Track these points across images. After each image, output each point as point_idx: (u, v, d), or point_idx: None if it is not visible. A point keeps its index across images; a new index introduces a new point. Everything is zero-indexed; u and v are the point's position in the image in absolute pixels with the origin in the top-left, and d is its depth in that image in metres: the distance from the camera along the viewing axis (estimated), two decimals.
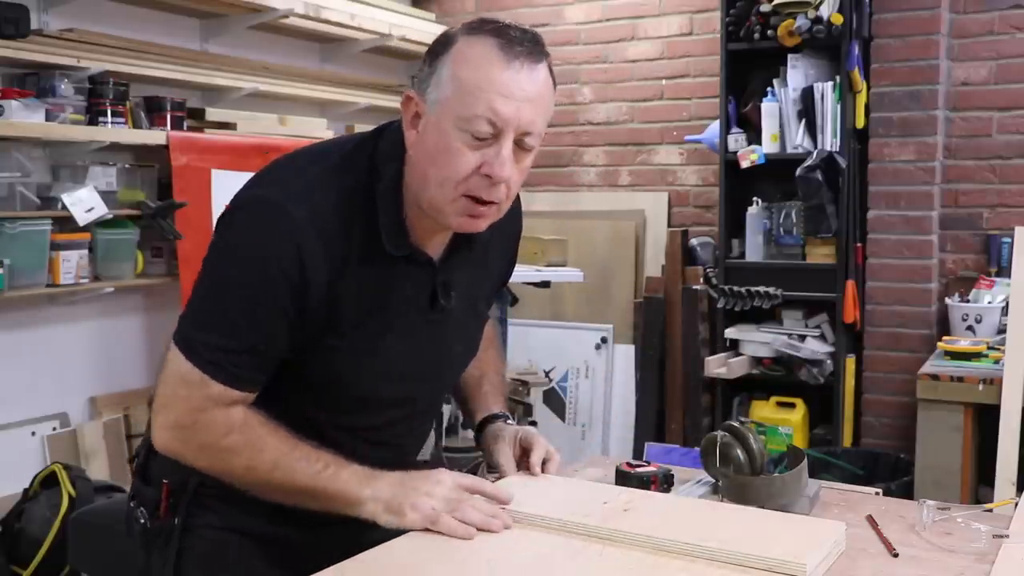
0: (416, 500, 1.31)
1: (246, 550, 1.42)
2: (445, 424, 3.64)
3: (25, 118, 2.94)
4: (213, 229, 1.36)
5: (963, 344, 3.26)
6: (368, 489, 1.32)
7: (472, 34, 1.29)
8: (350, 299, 1.32)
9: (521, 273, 3.40)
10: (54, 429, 3.28)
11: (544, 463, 1.54)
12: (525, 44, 1.28)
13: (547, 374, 4.26)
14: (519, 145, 1.30)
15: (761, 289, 3.73)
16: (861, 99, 3.62)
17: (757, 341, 3.79)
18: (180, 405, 1.32)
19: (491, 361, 1.71)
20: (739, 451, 1.52)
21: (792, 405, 3.77)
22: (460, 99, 1.26)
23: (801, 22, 3.56)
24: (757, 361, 3.83)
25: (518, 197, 1.57)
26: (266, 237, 1.27)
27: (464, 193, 1.29)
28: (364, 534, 1.32)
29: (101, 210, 3.13)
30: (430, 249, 1.39)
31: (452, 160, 1.27)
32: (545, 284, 3.61)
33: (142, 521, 1.47)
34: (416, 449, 1.65)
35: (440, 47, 1.30)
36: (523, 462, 1.54)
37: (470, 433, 3.68)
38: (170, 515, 1.43)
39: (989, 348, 3.25)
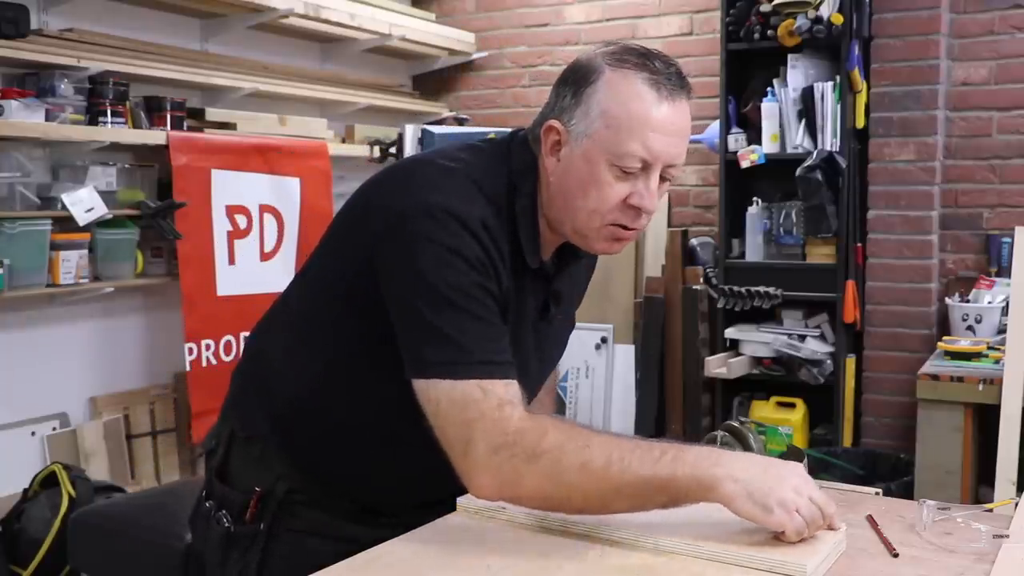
0: (785, 496, 1.20)
1: (328, 553, 1.38)
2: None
3: (25, 118, 2.94)
4: (388, 247, 1.29)
5: (963, 344, 3.26)
6: (722, 468, 1.20)
7: (619, 67, 1.31)
8: (509, 302, 1.35)
9: None
10: (54, 429, 3.28)
11: None
12: (672, 79, 1.31)
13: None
14: (662, 176, 1.34)
15: (761, 289, 3.73)
16: (861, 99, 3.62)
17: (757, 341, 3.79)
18: (482, 427, 1.22)
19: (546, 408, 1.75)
20: (739, 451, 1.52)
21: (792, 405, 3.77)
22: (612, 135, 1.29)
23: (801, 22, 3.56)
24: (757, 361, 3.83)
25: None
26: (452, 239, 1.25)
27: (612, 222, 1.33)
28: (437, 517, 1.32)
29: (101, 210, 3.13)
30: (547, 260, 1.44)
31: (601, 192, 1.31)
32: None
33: (226, 524, 1.44)
34: None
35: (583, 78, 1.33)
36: None
37: None
38: (257, 520, 1.42)
39: (989, 348, 3.25)
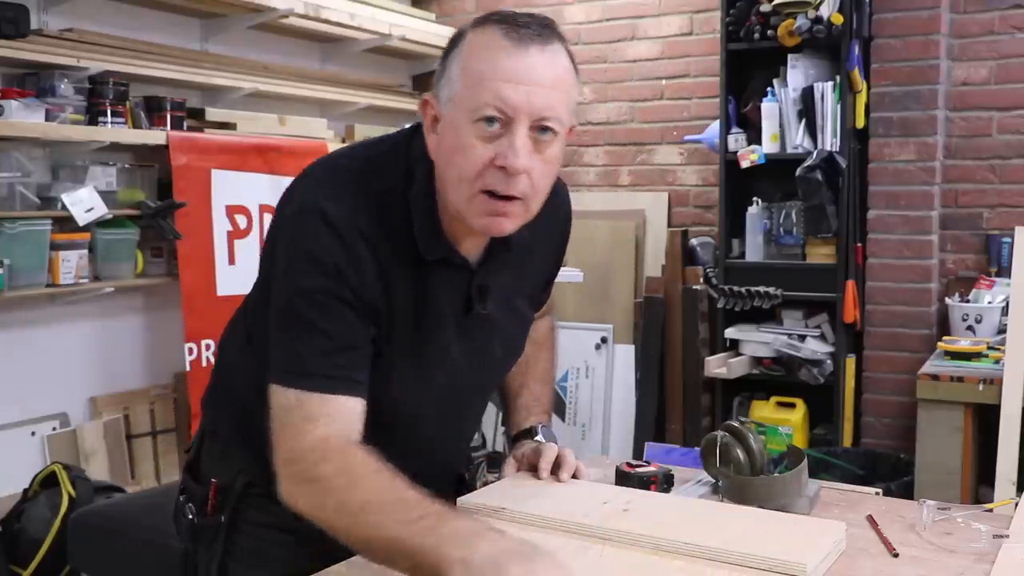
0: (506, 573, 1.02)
1: (289, 547, 1.41)
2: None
3: (25, 118, 2.94)
4: (264, 242, 1.34)
5: (963, 344, 3.26)
6: (459, 551, 1.03)
7: (479, 25, 1.26)
8: (395, 303, 1.30)
9: None
10: (54, 429, 3.28)
11: (558, 469, 1.51)
12: (532, 27, 1.24)
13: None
14: (538, 134, 1.24)
15: (761, 289, 3.73)
16: (861, 99, 3.62)
17: (757, 341, 3.78)
18: (284, 437, 1.23)
19: (537, 366, 1.68)
20: (739, 451, 1.52)
21: (792, 405, 3.77)
22: (469, 91, 1.22)
23: (801, 22, 3.56)
24: (757, 361, 3.83)
25: (565, 194, 1.56)
26: (315, 242, 1.25)
27: (481, 189, 1.24)
28: None
29: (101, 210, 3.13)
30: (466, 251, 1.36)
31: (466, 155, 1.23)
32: None
33: (190, 517, 1.48)
34: (459, 455, 1.62)
35: (450, 46, 1.28)
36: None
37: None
38: (217, 512, 1.44)
39: (989, 348, 3.25)
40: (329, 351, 1.24)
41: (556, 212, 1.51)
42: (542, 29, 1.26)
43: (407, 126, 1.41)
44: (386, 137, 1.41)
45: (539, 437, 1.58)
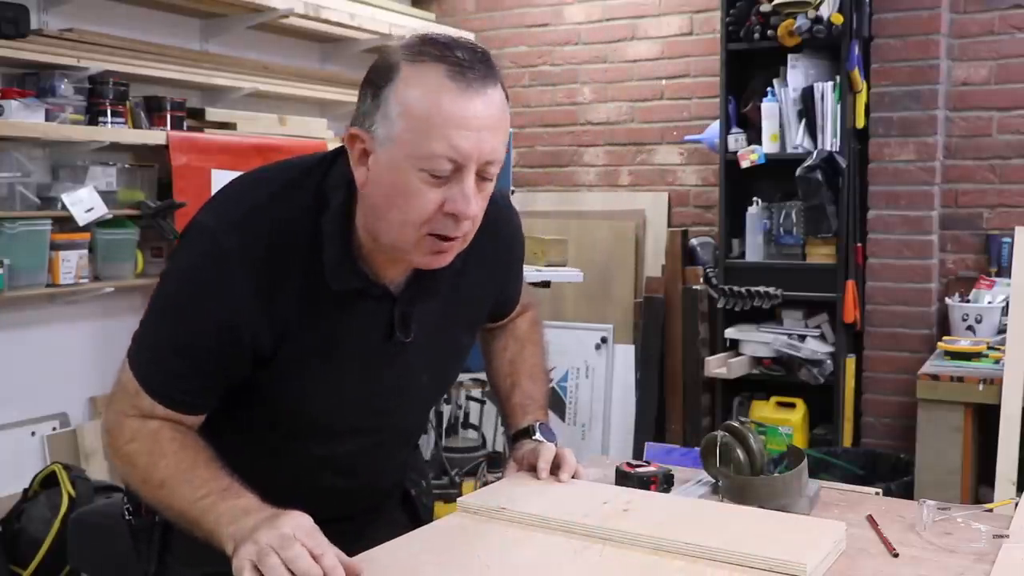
0: (253, 538, 1.12)
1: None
2: (445, 424, 3.64)
3: (25, 118, 2.94)
4: None
5: (963, 344, 3.26)
6: (231, 527, 1.17)
7: (416, 60, 1.18)
8: (295, 333, 1.27)
9: None
10: (54, 429, 3.28)
11: (558, 469, 1.50)
12: (476, 67, 1.18)
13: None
14: (480, 175, 1.22)
15: (761, 289, 3.73)
16: (861, 99, 3.62)
17: (757, 341, 3.79)
18: (112, 408, 1.32)
19: (524, 364, 1.65)
20: (739, 451, 1.52)
21: (792, 405, 3.77)
22: (415, 137, 1.17)
23: (801, 22, 3.56)
24: (757, 361, 3.83)
25: (505, 199, 1.52)
26: (197, 266, 1.26)
27: (428, 232, 1.22)
28: (345, 538, 1.31)
29: (101, 210, 3.13)
30: (388, 278, 1.32)
31: (413, 201, 1.19)
32: (545, 284, 3.61)
33: (127, 518, 1.50)
34: (390, 477, 1.59)
35: (381, 77, 1.21)
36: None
37: (471, 433, 3.70)
38: (152, 512, 1.44)
39: (989, 348, 3.25)
40: (172, 374, 1.29)
41: (497, 237, 1.46)
42: (484, 68, 1.20)
43: (326, 151, 1.37)
44: (304, 159, 1.36)
45: (537, 436, 1.56)
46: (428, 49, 1.20)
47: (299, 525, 1.14)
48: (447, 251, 1.25)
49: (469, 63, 1.18)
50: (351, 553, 1.25)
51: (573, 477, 1.50)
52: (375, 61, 1.25)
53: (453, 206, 1.19)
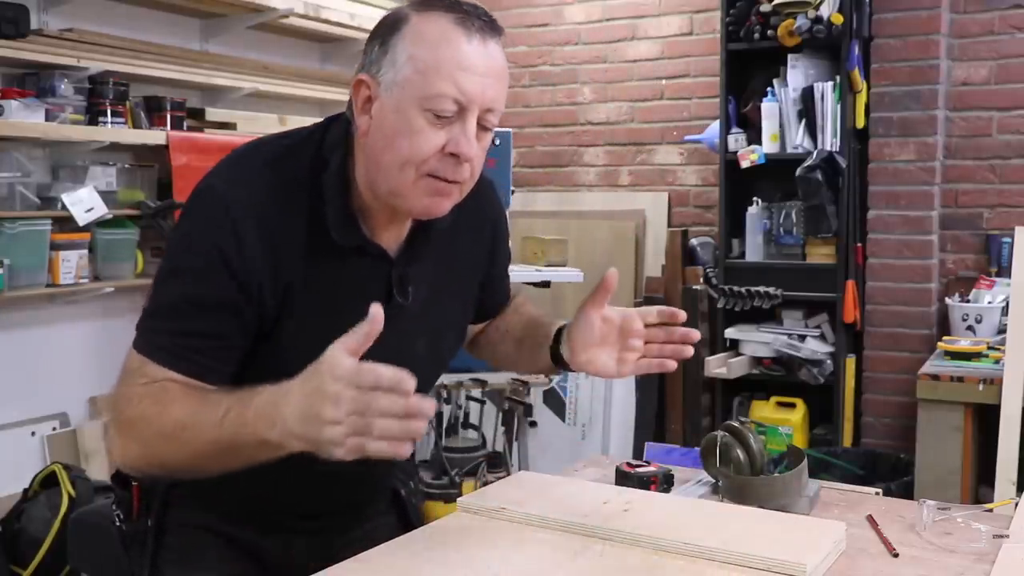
0: (328, 434, 1.04)
1: (218, 549, 1.42)
2: (445, 424, 3.64)
3: (25, 118, 2.94)
4: None
5: (963, 344, 3.26)
6: (276, 431, 1.09)
7: (424, 10, 1.24)
8: (299, 292, 1.29)
9: (521, 273, 3.39)
10: (54, 429, 3.28)
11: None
12: (482, 19, 1.24)
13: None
14: (480, 123, 1.25)
15: (761, 289, 3.73)
16: (861, 99, 3.62)
17: (757, 341, 3.79)
18: (114, 395, 1.27)
19: (535, 312, 1.62)
20: (739, 451, 1.52)
21: (792, 405, 3.77)
22: (422, 78, 1.21)
23: (801, 22, 3.56)
24: (757, 361, 3.83)
25: (491, 184, 1.54)
26: (205, 224, 1.25)
27: (428, 173, 1.24)
28: (333, 539, 1.31)
29: (101, 210, 3.13)
30: (384, 242, 1.34)
31: (415, 141, 1.22)
32: (545, 284, 3.61)
33: (117, 523, 1.48)
34: (382, 463, 1.54)
35: (390, 27, 1.26)
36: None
37: (471, 433, 3.70)
38: (143, 516, 1.44)
39: (989, 348, 3.25)
40: (186, 332, 1.24)
41: (481, 208, 1.49)
42: (490, 21, 1.25)
43: (319, 121, 1.40)
44: (297, 129, 1.41)
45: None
46: (435, 2, 1.25)
47: (342, 375, 1.04)
48: (446, 195, 1.27)
49: (475, 15, 1.24)
50: (339, 554, 1.25)
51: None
52: (383, 18, 1.29)
53: (455, 146, 1.23)
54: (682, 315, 1.37)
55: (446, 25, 1.22)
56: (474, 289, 1.54)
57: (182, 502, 1.42)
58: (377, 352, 1.36)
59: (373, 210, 1.31)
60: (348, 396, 1.03)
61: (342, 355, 1.05)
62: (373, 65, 1.25)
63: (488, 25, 1.25)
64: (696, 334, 1.36)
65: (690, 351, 1.35)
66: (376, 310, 1.07)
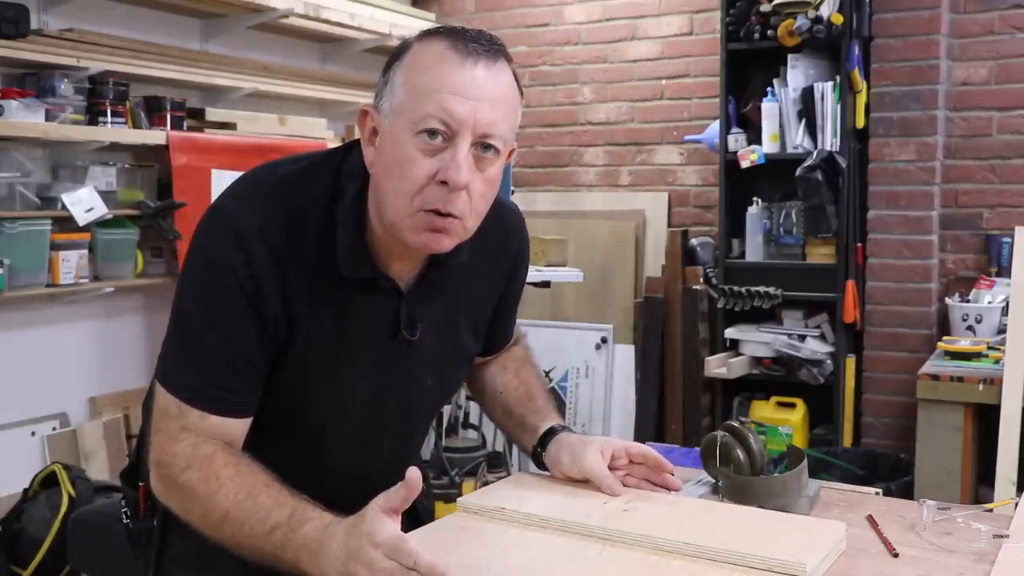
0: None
1: (224, 549, 1.41)
2: (445, 424, 3.64)
3: (25, 118, 2.94)
4: None
5: (963, 344, 3.26)
6: (315, 569, 1.13)
7: (426, 38, 1.23)
8: (306, 321, 1.27)
9: None
10: (54, 429, 3.28)
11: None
12: (481, 42, 1.21)
13: (547, 374, 4.27)
14: (480, 151, 1.21)
15: (761, 289, 3.73)
16: (861, 99, 3.62)
17: (757, 341, 3.79)
18: (159, 439, 1.26)
19: (532, 379, 1.63)
20: (739, 451, 1.52)
21: (792, 405, 3.77)
22: (412, 102, 1.19)
23: (801, 22, 3.56)
24: (757, 361, 3.83)
25: (521, 220, 1.52)
26: (216, 249, 1.24)
27: (421, 207, 1.20)
28: None
29: (101, 210, 3.13)
30: (397, 275, 1.31)
31: (407, 168, 1.19)
32: (545, 284, 3.61)
33: (125, 521, 1.49)
34: (388, 482, 1.57)
35: (393, 57, 1.25)
36: (633, 470, 1.47)
37: (471, 433, 3.70)
38: (150, 516, 1.44)
39: (989, 348, 3.25)
40: (216, 370, 1.25)
41: (505, 244, 1.47)
42: (490, 45, 1.22)
43: (340, 145, 1.38)
44: (316, 153, 1.37)
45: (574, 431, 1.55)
46: (439, 30, 1.25)
47: (381, 543, 1.08)
48: (443, 231, 1.23)
49: (475, 39, 1.22)
50: None
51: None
52: (394, 49, 1.28)
53: (444, 173, 1.19)
54: (668, 467, 1.46)
55: (441, 50, 1.20)
56: (487, 319, 1.53)
57: None
58: (385, 385, 1.37)
59: (386, 242, 1.29)
60: (384, 567, 1.07)
61: (382, 520, 1.09)
62: (377, 96, 1.25)
63: (487, 49, 1.21)
64: (678, 484, 1.47)
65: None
66: (415, 475, 1.11)
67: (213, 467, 1.22)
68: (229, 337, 1.24)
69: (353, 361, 1.33)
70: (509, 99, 1.24)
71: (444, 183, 1.19)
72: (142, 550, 1.47)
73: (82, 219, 3.08)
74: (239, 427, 1.28)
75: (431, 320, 1.36)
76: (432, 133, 1.19)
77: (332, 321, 1.29)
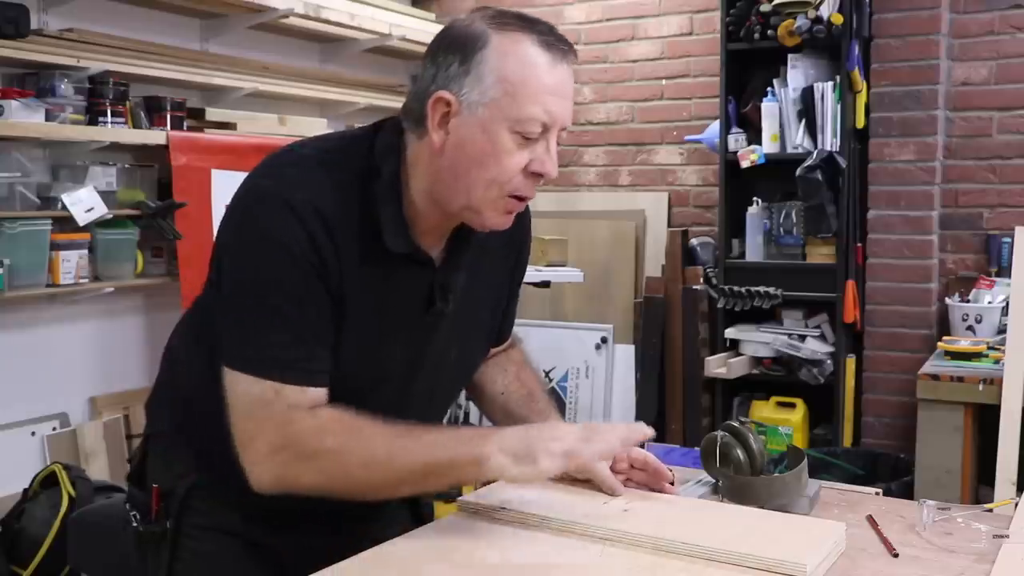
0: (548, 445, 1.24)
1: (237, 551, 1.41)
2: (445, 424, 3.64)
3: (25, 118, 2.94)
4: (216, 237, 1.33)
5: (963, 344, 3.26)
6: (492, 444, 1.24)
7: (504, 30, 1.26)
8: (353, 293, 1.29)
9: None
10: (54, 429, 3.28)
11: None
12: (562, 41, 1.29)
13: (547, 374, 4.27)
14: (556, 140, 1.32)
15: (761, 289, 3.73)
16: (861, 99, 3.62)
17: (757, 341, 3.79)
18: (266, 428, 1.24)
19: (532, 381, 1.66)
20: (739, 451, 1.52)
21: (792, 405, 3.77)
22: (513, 101, 1.25)
23: (801, 22, 3.56)
24: (757, 361, 3.83)
25: (527, 207, 1.53)
26: (274, 224, 1.24)
27: (509, 192, 1.29)
28: (352, 539, 1.31)
29: (101, 210, 3.13)
30: (428, 249, 1.36)
31: (502, 161, 1.26)
32: (545, 284, 3.62)
33: (134, 524, 1.46)
34: None
35: (469, 45, 1.27)
36: (632, 474, 1.50)
37: None
38: (162, 518, 1.43)
39: (989, 348, 3.24)
40: (303, 339, 1.25)
41: (515, 228, 1.48)
42: (566, 43, 1.30)
43: (360, 125, 1.41)
44: (343, 132, 1.42)
45: None
46: (511, 20, 1.28)
47: (571, 429, 1.28)
48: (515, 211, 1.33)
49: (552, 33, 1.29)
50: (355, 553, 1.26)
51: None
52: (453, 30, 1.31)
53: (540, 166, 1.28)
54: (667, 475, 1.49)
55: (532, 48, 1.26)
56: (501, 302, 1.57)
57: (203, 505, 1.41)
58: (416, 358, 1.39)
59: (421, 219, 1.33)
60: (569, 441, 1.26)
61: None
62: (453, 82, 1.27)
63: (565, 46, 1.29)
64: (675, 493, 1.49)
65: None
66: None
67: (349, 424, 1.25)
68: (307, 307, 1.25)
69: (394, 334, 1.35)
70: (573, 91, 1.34)
71: (535, 174, 1.29)
72: (152, 554, 1.44)
73: (82, 219, 3.08)
74: (327, 398, 1.29)
75: (457, 293, 1.40)
76: (531, 131, 1.27)
77: (376, 295, 1.32)
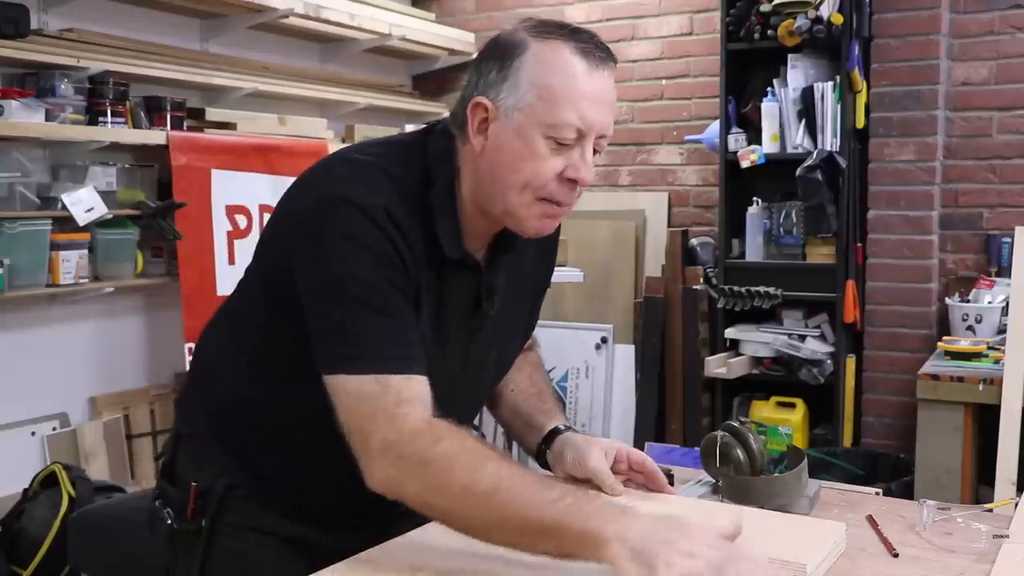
0: (671, 558, 1.06)
1: (272, 550, 1.41)
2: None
3: (25, 118, 2.94)
4: (280, 249, 1.32)
5: (963, 344, 3.26)
6: (614, 527, 1.09)
7: (544, 37, 1.28)
8: (422, 297, 1.31)
9: None
10: (54, 429, 3.28)
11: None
12: (600, 48, 1.30)
13: (547, 374, 4.26)
14: (594, 147, 1.31)
15: (761, 289, 3.73)
16: (861, 99, 3.62)
17: (757, 341, 3.79)
18: (377, 422, 1.20)
19: (543, 383, 1.68)
20: (739, 451, 1.52)
21: (792, 405, 3.77)
22: (546, 106, 1.26)
23: (801, 22, 3.56)
24: (757, 361, 3.83)
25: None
26: (356, 229, 1.24)
27: (544, 197, 1.30)
28: (388, 538, 1.31)
29: (101, 210, 3.13)
30: (475, 253, 1.39)
31: (536, 166, 1.27)
32: None
33: (168, 521, 1.45)
34: None
35: (508, 52, 1.29)
36: (632, 476, 1.50)
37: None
38: (198, 517, 1.42)
39: (989, 348, 3.24)
40: (398, 332, 1.24)
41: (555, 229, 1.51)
42: (606, 51, 1.31)
43: (411, 128, 1.42)
44: (396, 137, 1.43)
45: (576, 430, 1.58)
46: (553, 29, 1.30)
47: (719, 544, 1.09)
48: (555, 217, 1.33)
49: (594, 44, 1.30)
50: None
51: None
52: (498, 39, 1.33)
53: (575, 172, 1.28)
54: (663, 483, 1.49)
55: (569, 54, 1.27)
56: (538, 305, 1.59)
57: (241, 504, 1.41)
58: (465, 360, 1.40)
59: (470, 224, 1.36)
60: (715, 547, 1.08)
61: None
62: (491, 89, 1.29)
63: (605, 55, 1.30)
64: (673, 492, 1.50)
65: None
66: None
67: (466, 441, 1.20)
68: (399, 299, 1.25)
69: (448, 337, 1.37)
70: (615, 100, 1.34)
71: (571, 180, 1.29)
72: (184, 551, 1.43)
73: (82, 219, 3.08)
74: (429, 388, 1.25)
75: (500, 295, 1.42)
76: (566, 137, 1.27)
77: (436, 297, 1.33)
